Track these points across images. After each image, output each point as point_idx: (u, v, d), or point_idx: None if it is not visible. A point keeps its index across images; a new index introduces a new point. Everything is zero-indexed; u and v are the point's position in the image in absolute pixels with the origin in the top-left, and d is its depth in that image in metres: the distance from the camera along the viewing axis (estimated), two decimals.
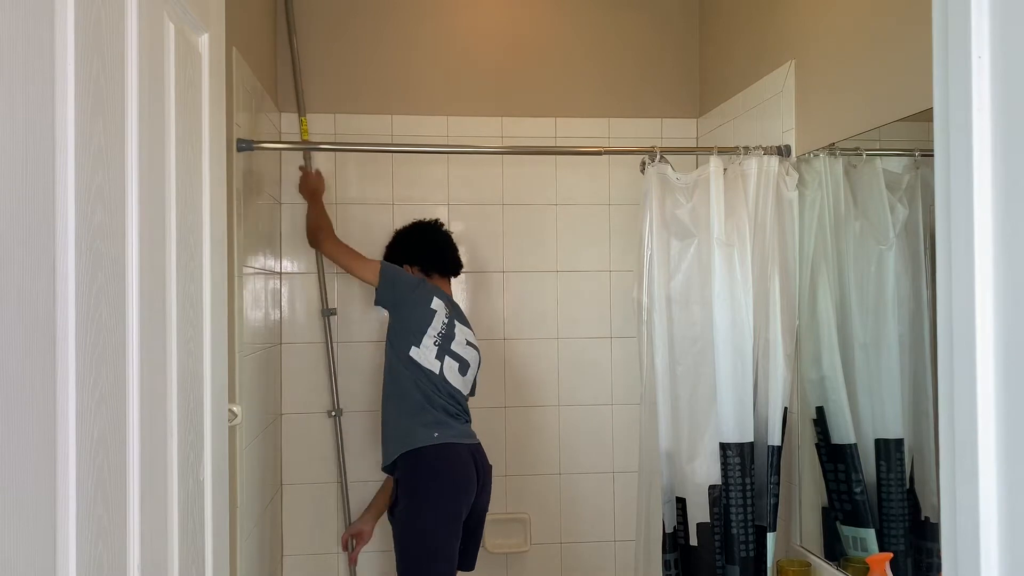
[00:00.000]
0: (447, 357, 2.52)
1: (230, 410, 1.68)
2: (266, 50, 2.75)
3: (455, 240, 2.76)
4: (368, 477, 2.95)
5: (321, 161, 2.98)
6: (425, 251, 2.68)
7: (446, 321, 2.55)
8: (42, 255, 0.73)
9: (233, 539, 2.06)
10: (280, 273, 2.91)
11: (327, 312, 2.94)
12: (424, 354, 2.48)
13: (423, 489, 2.38)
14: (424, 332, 2.49)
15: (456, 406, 2.52)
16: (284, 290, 2.94)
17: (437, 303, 2.55)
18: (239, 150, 2.20)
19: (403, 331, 2.50)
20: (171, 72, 1.14)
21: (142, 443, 0.99)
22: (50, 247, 0.75)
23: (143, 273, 1.00)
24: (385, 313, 2.67)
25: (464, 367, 2.57)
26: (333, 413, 2.93)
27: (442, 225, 2.78)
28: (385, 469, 2.55)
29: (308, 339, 2.96)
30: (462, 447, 2.45)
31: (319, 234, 2.64)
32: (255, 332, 2.44)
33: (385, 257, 2.72)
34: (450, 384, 2.51)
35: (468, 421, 2.56)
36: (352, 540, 2.84)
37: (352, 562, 2.86)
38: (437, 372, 2.49)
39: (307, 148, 2.91)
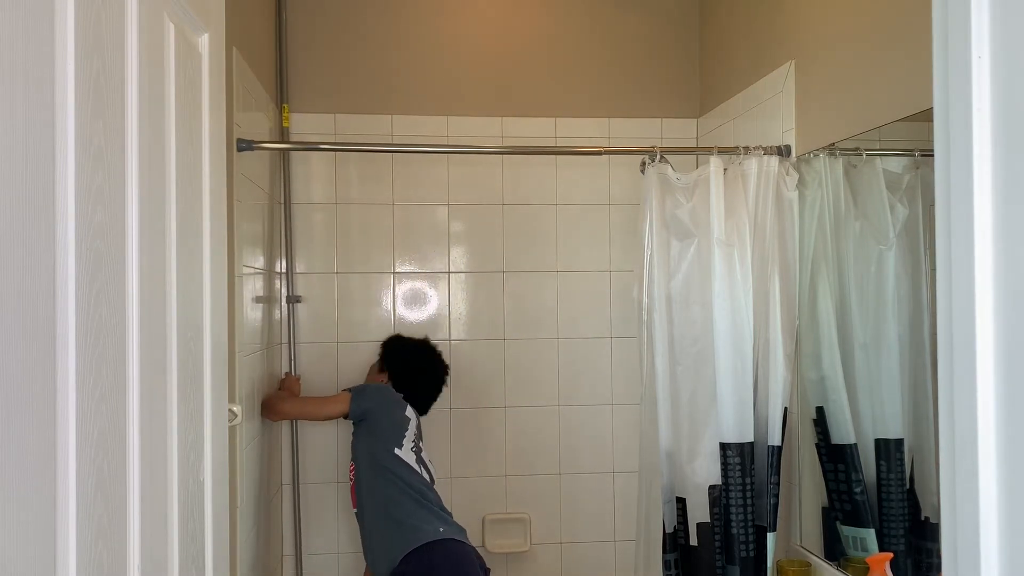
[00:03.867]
0: (420, 466, 2.47)
1: (230, 410, 1.68)
2: (266, 50, 2.75)
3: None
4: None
5: (321, 161, 2.98)
6: (408, 379, 2.66)
7: (416, 432, 2.54)
8: (42, 255, 0.73)
9: (233, 539, 2.06)
10: (280, 273, 2.91)
11: (292, 299, 2.94)
12: (407, 455, 2.44)
13: None
14: (403, 435, 2.47)
15: (446, 508, 2.46)
16: (284, 290, 2.94)
17: (410, 411, 2.56)
18: (239, 150, 2.20)
19: (383, 432, 2.45)
20: (171, 72, 1.14)
21: (142, 443, 0.99)
22: (50, 247, 0.75)
23: (143, 273, 1.00)
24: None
25: (432, 479, 2.51)
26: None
27: (446, 370, 2.76)
28: None
29: (309, 339, 2.96)
30: (468, 547, 2.36)
31: (277, 404, 2.52)
32: (255, 332, 2.44)
33: (383, 349, 2.76)
34: (432, 485, 2.47)
35: None
36: None
37: None
38: (419, 474, 2.44)
39: (307, 148, 2.91)
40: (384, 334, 2.97)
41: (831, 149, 2.21)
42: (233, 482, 2.08)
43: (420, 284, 3.04)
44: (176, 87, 1.16)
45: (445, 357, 2.81)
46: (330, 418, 2.56)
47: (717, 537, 2.29)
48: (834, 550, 2.20)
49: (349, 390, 2.53)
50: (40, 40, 0.74)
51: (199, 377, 1.27)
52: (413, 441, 2.49)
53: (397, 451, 2.42)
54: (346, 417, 2.51)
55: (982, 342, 0.67)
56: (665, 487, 2.35)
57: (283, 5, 2.93)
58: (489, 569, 2.42)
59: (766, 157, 2.32)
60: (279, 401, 2.53)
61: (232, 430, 2.05)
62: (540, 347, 3.09)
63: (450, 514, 2.45)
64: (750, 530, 2.27)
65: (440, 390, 2.75)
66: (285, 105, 2.91)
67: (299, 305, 2.96)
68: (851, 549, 2.12)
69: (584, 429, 3.10)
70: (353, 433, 2.54)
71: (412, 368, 2.69)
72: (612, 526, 3.11)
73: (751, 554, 2.27)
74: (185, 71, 1.21)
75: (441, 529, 2.32)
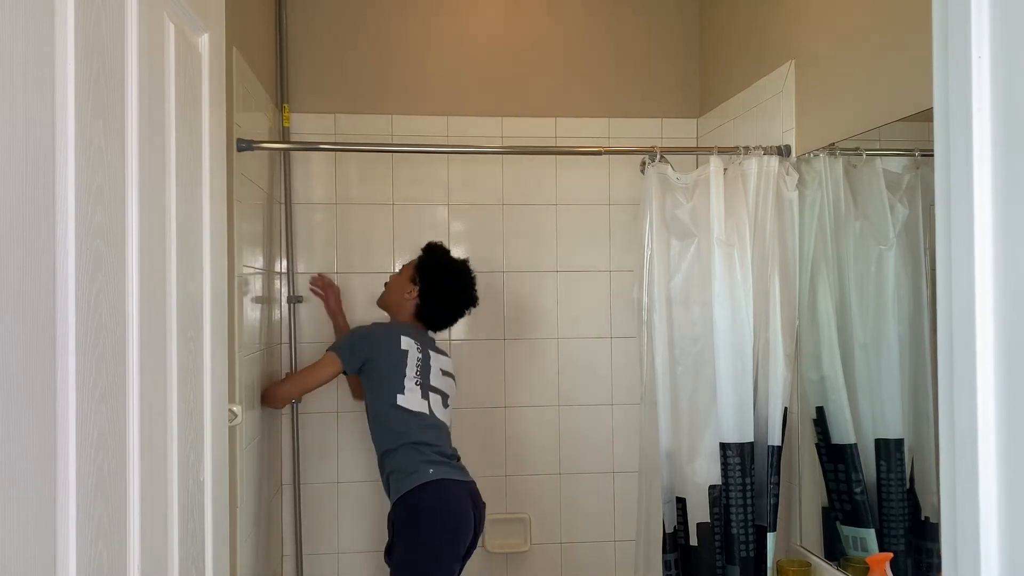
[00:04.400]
0: (431, 393, 2.47)
1: (230, 410, 1.68)
2: (266, 50, 2.75)
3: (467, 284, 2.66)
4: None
5: (321, 161, 2.98)
6: (433, 297, 2.58)
7: (420, 356, 2.49)
8: (42, 255, 0.73)
9: (233, 539, 2.06)
10: (280, 273, 2.91)
11: (292, 299, 2.93)
12: (410, 398, 2.42)
13: (422, 530, 2.31)
14: (404, 375, 2.43)
15: (449, 445, 2.47)
16: (284, 290, 2.94)
17: (406, 341, 2.49)
18: (239, 150, 2.20)
19: (383, 381, 2.44)
20: (171, 72, 1.14)
21: (142, 443, 0.99)
22: (50, 247, 0.75)
23: (143, 273, 1.00)
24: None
25: (445, 398, 2.52)
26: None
27: (474, 301, 2.64)
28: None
29: (309, 339, 2.96)
30: (459, 485, 2.38)
31: (274, 391, 2.54)
32: (255, 332, 2.44)
33: (425, 254, 2.64)
34: (439, 419, 2.46)
35: (459, 459, 2.50)
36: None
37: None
38: (427, 412, 2.43)
39: (307, 148, 2.91)
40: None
41: (831, 149, 2.21)
42: (233, 482, 2.08)
43: None
44: (176, 87, 1.16)
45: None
46: (329, 380, 2.53)
47: (717, 537, 2.29)
48: (834, 550, 2.20)
49: (333, 349, 2.52)
50: (40, 40, 0.73)
51: (199, 377, 1.27)
52: (416, 374, 2.46)
53: (399, 399, 2.41)
54: (346, 373, 2.51)
55: (982, 342, 0.67)
56: (665, 487, 2.35)
57: (283, 5, 2.93)
58: (484, 503, 2.46)
59: (766, 157, 2.32)
60: (274, 387, 2.55)
61: (232, 430, 2.05)
62: (540, 347, 3.09)
63: (450, 453, 2.44)
64: (750, 530, 2.27)
65: (457, 319, 2.67)
66: (286, 105, 2.91)
67: (299, 305, 2.96)
68: (851, 549, 2.12)
69: (584, 429, 3.10)
70: (361, 380, 2.54)
71: (442, 286, 2.58)
72: (612, 526, 3.11)
73: (751, 554, 2.27)
74: (185, 71, 1.21)
75: (431, 471, 2.35)
